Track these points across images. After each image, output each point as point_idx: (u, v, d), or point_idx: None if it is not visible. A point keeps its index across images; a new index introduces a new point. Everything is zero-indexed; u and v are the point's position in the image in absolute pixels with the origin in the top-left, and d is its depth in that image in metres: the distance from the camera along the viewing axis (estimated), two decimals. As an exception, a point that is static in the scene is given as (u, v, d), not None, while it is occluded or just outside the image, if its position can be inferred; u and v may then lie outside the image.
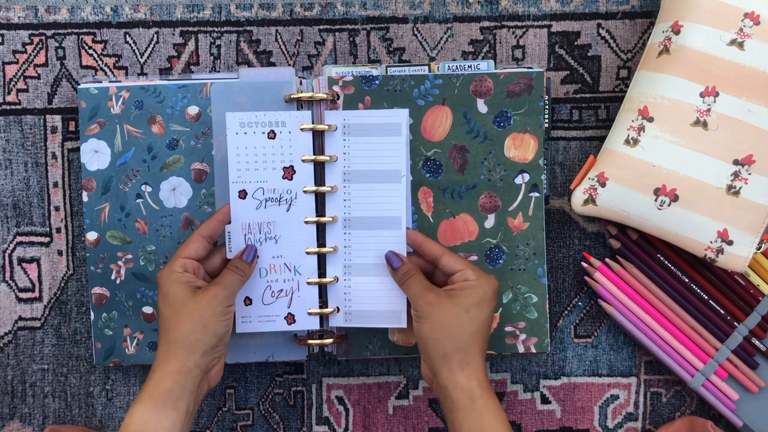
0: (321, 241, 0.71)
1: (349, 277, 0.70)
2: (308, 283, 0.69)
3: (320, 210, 0.70)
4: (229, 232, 0.68)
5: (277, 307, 0.70)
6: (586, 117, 0.74)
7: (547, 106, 0.70)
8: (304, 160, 0.68)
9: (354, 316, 0.70)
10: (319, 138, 0.69)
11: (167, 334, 0.64)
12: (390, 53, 0.74)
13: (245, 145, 0.68)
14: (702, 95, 0.66)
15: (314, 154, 0.69)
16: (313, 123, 0.69)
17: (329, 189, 0.69)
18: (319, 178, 0.70)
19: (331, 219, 0.69)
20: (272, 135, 0.68)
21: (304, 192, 0.68)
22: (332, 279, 0.70)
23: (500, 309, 0.71)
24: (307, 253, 0.69)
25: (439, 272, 0.68)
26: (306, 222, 0.69)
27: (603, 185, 0.68)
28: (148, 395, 0.62)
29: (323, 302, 0.71)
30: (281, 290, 0.70)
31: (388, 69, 0.70)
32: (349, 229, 0.70)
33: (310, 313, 0.70)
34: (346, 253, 0.70)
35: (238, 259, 0.67)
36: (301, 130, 0.68)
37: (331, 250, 0.70)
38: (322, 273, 0.71)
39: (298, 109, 0.70)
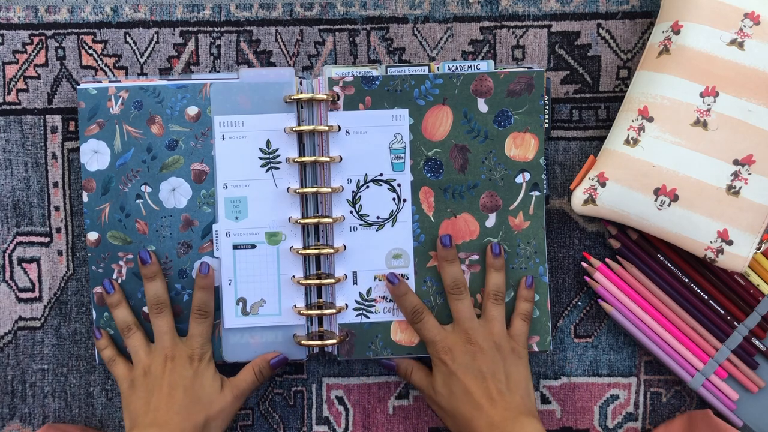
0: (322, 242, 0.71)
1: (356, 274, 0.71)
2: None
3: (325, 210, 0.70)
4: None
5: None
6: (586, 117, 0.74)
7: (547, 106, 0.70)
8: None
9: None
10: (319, 138, 0.70)
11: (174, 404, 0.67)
12: (390, 53, 0.74)
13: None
14: (702, 95, 0.66)
15: (316, 155, 0.69)
16: (314, 124, 0.69)
17: (331, 190, 0.69)
18: (324, 178, 0.70)
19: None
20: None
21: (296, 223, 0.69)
22: (341, 277, 0.70)
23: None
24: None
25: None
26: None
27: (603, 185, 0.68)
28: None
29: (326, 303, 0.71)
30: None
31: (388, 69, 0.70)
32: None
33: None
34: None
35: (264, 363, 0.71)
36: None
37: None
38: (324, 274, 0.71)
39: (298, 110, 0.70)
